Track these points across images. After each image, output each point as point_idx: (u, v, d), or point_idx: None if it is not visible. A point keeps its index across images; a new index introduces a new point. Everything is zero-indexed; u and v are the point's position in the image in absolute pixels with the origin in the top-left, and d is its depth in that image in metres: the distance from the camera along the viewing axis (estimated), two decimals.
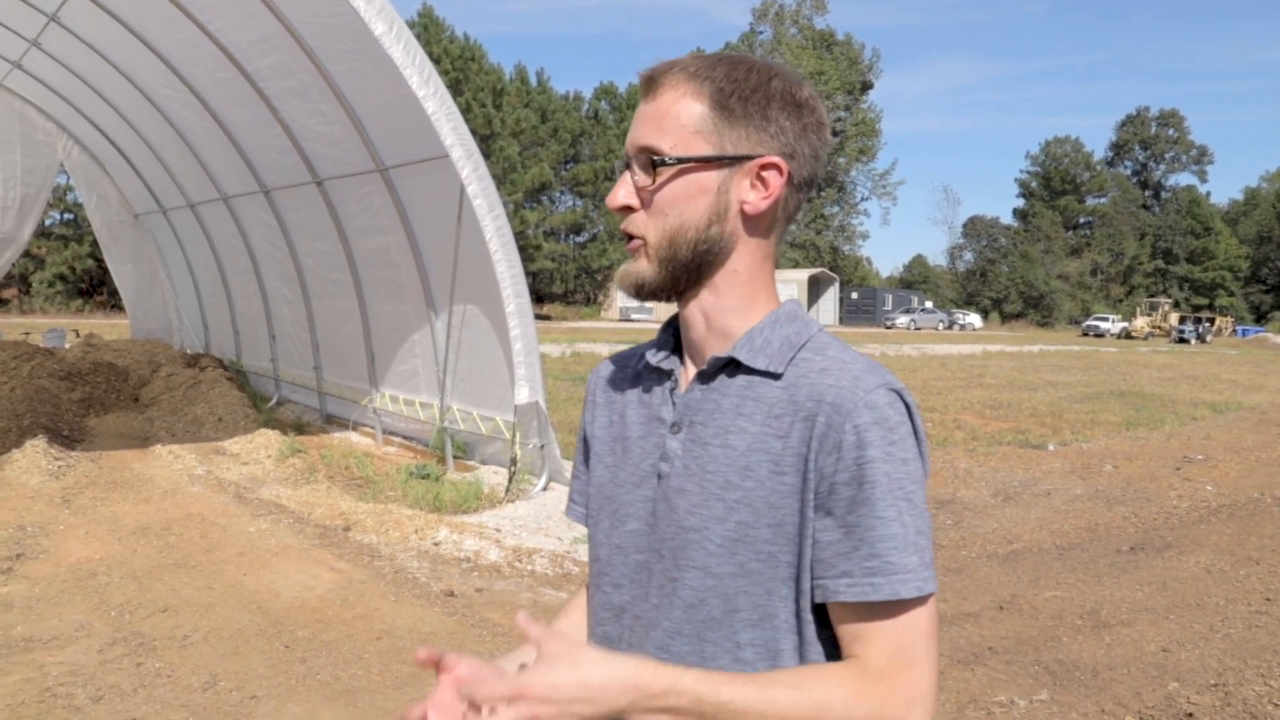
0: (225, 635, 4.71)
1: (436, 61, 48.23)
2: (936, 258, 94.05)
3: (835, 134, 70.33)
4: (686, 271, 1.15)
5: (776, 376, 1.12)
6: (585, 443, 1.34)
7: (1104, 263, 78.18)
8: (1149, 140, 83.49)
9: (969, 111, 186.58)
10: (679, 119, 1.11)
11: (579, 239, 59.79)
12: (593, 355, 24.01)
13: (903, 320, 57.97)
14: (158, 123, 11.28)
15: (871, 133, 71.89)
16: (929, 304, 65.94)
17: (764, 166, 1.12)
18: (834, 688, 1.02)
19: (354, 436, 10.41)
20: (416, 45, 6.74)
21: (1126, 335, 56.04)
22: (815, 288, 59.96)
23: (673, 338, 1.25)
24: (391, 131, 7.90)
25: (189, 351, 14.67)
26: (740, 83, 1.12)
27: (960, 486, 9.07)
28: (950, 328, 59.50)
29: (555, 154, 54.50)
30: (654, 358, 1.24)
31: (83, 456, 8.60)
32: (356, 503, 7.49)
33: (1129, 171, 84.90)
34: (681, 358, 1.23)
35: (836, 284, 62.12)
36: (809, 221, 70.40)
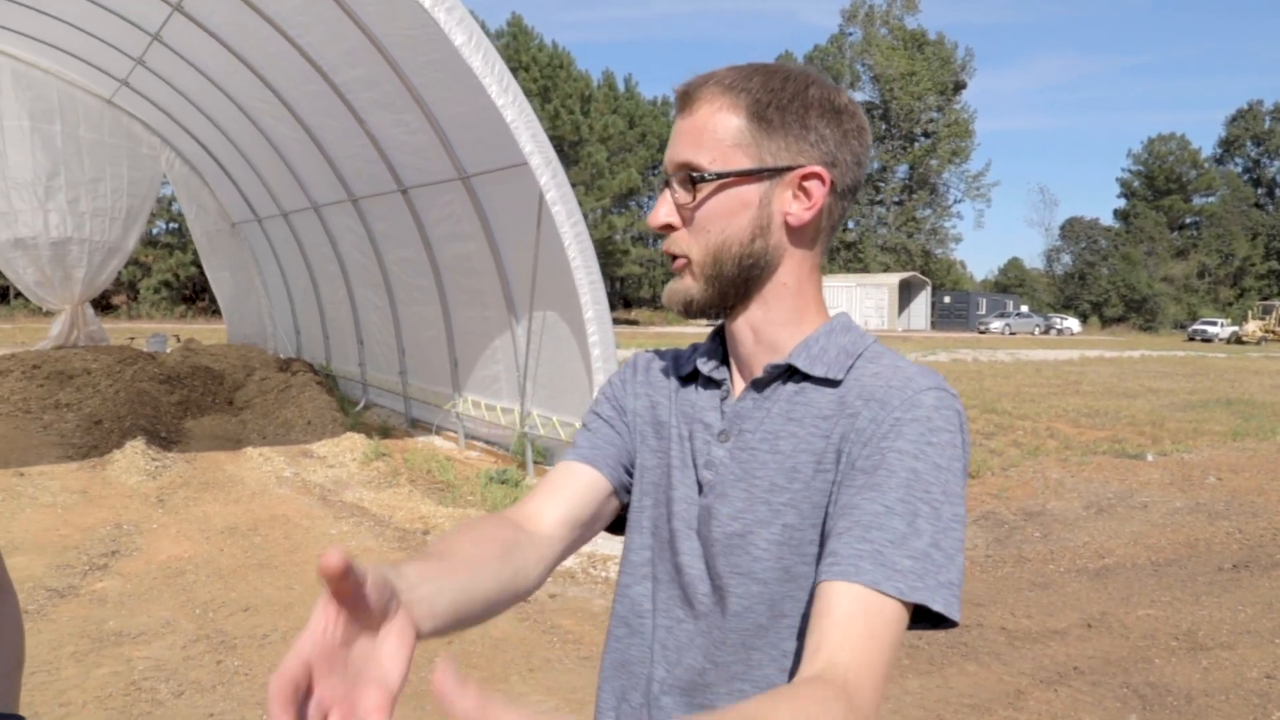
0: None
1: (525, 69, 48.90)
2: (1033, 260, 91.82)
3: (927, 135, 69.18)
4: (734, 287, 1.13)
5: (835, 384, 1.10)
6: (615, 405, 1.29)
7: (1212, 264, 75.18)
8: (1262, 136, 79.98)
9: (1067, 110, 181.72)
10: (716, 133, 1.09)
11: None
12: None
13: (997, 325, 56.60)
14: (253, 135, 11.65)
15: (964, 134, 70.44)
16: (1024, 308, 64.28)
17: (806, 176, 1.10)
18: (825, 711, 0.87)
19: (437, 441, 10.57)
20: (495, 55, 6.82)
21: (1237, 340, 53.69)
22: (906, 292, 59.01)
23: (720, 346, 1.23)
24: (472, 140, 8.01)
25: (282, 356, 15.10)
26: (777, 92, 1.09)
27: (1051, 498, 8.80)
28: (1047, 332, 57.86)
29: (643, 159, 54.73)
30: (705, 366, 1.21)
31: (178, 457, 8.91)
32: (436, 506, 7.60)
33: (1240, 169, 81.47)
34: (729, 368, 1.21)
35: (928, 288, 61.04)
36: (900, 225, 69.31)
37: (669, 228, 1.13)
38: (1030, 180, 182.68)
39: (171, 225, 40.29)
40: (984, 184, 73.36)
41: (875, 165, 69.60)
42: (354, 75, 8.58)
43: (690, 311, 1.15)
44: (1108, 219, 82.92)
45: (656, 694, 1.18)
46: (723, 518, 1.12)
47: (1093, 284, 73.68)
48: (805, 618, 1.05)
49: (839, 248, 67.53)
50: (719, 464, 1.14)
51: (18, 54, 13.34)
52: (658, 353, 1.33)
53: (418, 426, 11.21)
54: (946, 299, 63.65)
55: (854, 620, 0.92)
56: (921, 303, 60.31)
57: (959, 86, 70.67)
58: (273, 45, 8.95)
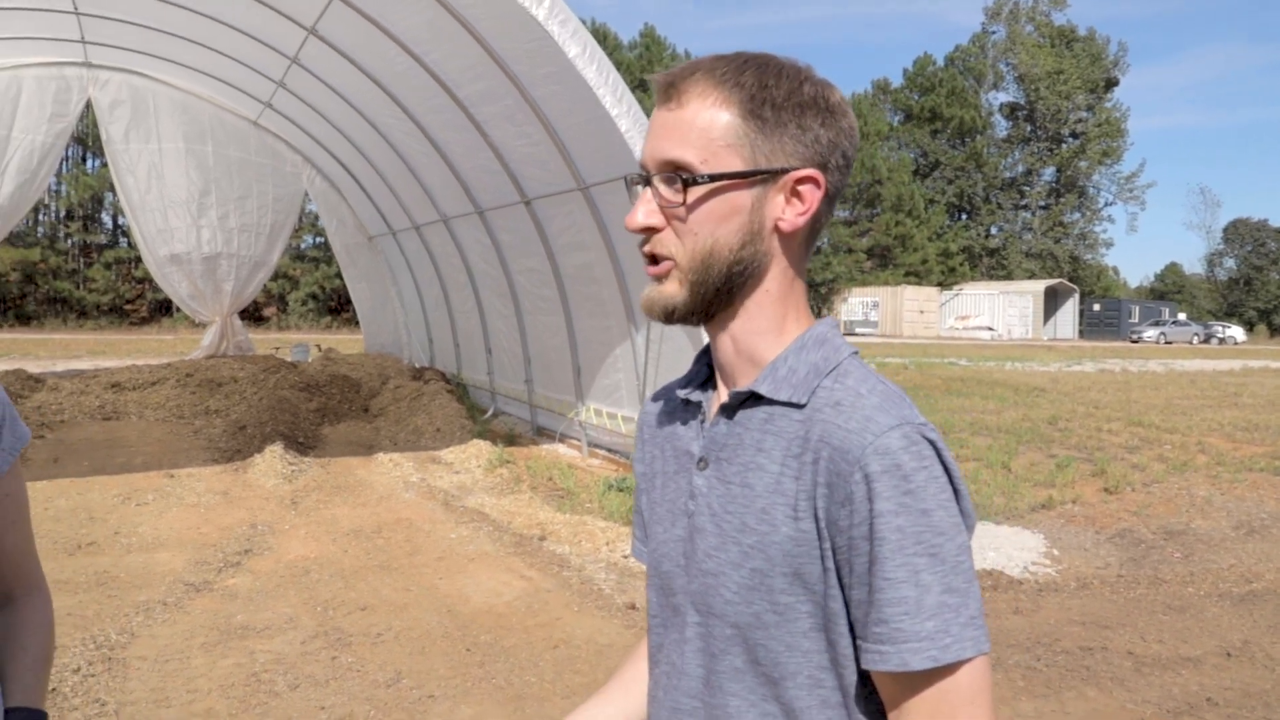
0: (414, 635, 4.94)
1: None
2: (1193, 266, 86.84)
3: (1075, 136, 66.43)
4: (718, 294, 1.07)
5: (800, 407, 1.04)
6: (641, 479, 1.29)
7: None
8: None
9: (1229, 105, 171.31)
10: (707, 131, 1.03)
11: None
12: None
13: (1150, 334, 53.81)
14: (385, 150, 12.11)
15: (1116, 133, 67.32)
16: (1181, 315, 60.92)
17: (800, 180, 1.05)
18: None
19: (561, 448, 10.72)
20: (610, 66, 6.91)
21: None
22: (1052, 300, 56.80)
23: (706, 367, 1.19)
24: (590, 150, 8.12)
25: (415, 365, 15.60)
26: (772, 89, 1.04)
27: (1196, 516, 8.30)
28: (1206, 341, 54.69)
29: None
30: (682, 391, 1.19)
31: (313, 462, 9.29)
32: (554, 513, 7.70)
33: None
34: (716, 386, 1.17)
35: (1076, 295, 58.57)
36: (1046, 230, 66.67)
37: (650, 230, 1.08)
38: (1189, 181, 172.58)
39: (317, 239, 42.18)
40: (1137, 186, 69.83)
41: (1020, 168, 67.28)
42: (476, 90, 8.82)
43: (671, 319, 1.09)
44: (1277, 220, 77.99)
45: None
46: (699, 554, 1.09)
47: (1260, 290, 69.37)
48: (781, 666, 1.03)
49: (981, 254, 65.52)
50: (699, 494, 1.11)
51: (175, 82, 14.27)
52: (658, 392, 1.29)
53: (543, 434, 11.40)
54: (1096, 307, 60.94)
55: (912, 706, 0.97)
56: (1069, 311, 57.93)
57: (1110, 84, 67.65)
58: (400, 64, 9.30)
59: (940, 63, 67.04)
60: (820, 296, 57.58)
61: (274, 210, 15.62)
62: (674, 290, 1.07)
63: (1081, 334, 58.32)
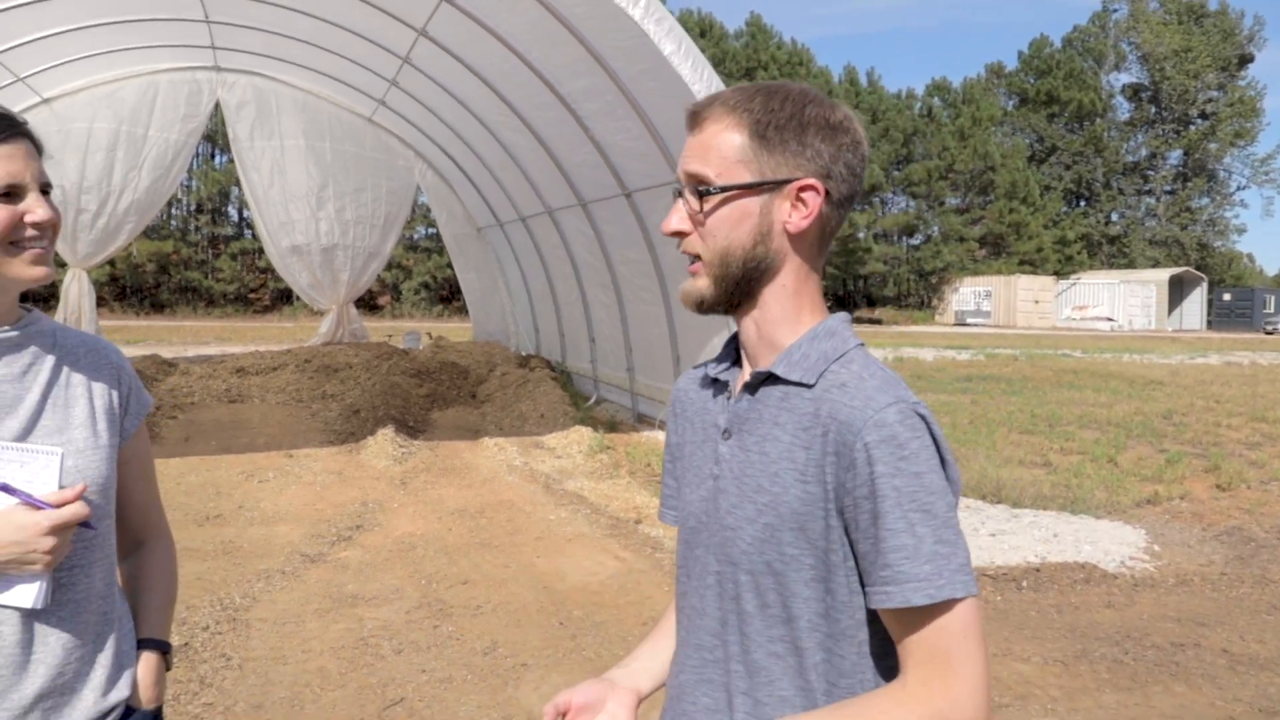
0: (511, 609, 5.21)
1: (764, 68, 49.00)
2: None
3: (1205, 117, 63.44)
4: (739, 287, 1.27)
5: (809, 387, 1.22)
6: (669, 453, 1.48)
7: None
8: None
9: None
10: (721, 150, 1.23)
11: (912, 241, 58.29)
12: (916, 361, 23.42)
13: None
14: (492, 145, 12.49)
15: (1251, 113, 63.99)
16: None
17: (802, 188, 1.23)
18: (878, 714, 1.13)
19: (660, 435, 10.90)
20: (704, 62, 7.06)
21: None
22: (1177, 289, 54.46)
23: (735, 350, 1.37)
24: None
25: (521, 353, 16.01)
26: (776, 112, 1.23)
27: None
28: None
29: (886, 154, 53.56)
30: (714, 369, 1.38)
31: (422, 445, 9.70)
32: (651, 498, 7.91)
33: None
34: (742, 366, 1.35)
35: (1204, 285, 56.00)
36: (1172, 216, 63.89)
37: (680, 234, 1.28)
38: None
39: (430, 230, 43.30)
40: (1274, 168, 66.36)
41: (1143, 152, 64.63)
42: (578, 86, 9.07)
43: (702, 309, 1.30)
44: None
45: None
46: (722, 510, 1.27)
47: None
48: (788, 609, 1.21)
49: (1101, 242, 63.21)
50: (723, 460, 1.29)
51: (295, 82, 14.98)
52: (692, 370, 1.48)
53: (643, 421, 11.61)
54: (1226, 296, 58.12)
55: (914, 640, 1.14)
56: (1195, 301, 55.45)
57: (1244, 60, 64.34)
58: (505, 62, 9.62)
59: (1057, 44, 64.86)
60: (930, 286, 56.46)
61: (387, 203, 16.25)
62: (703, 284, 1.28)
63: (1210, 325, 55.77)
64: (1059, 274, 55.34)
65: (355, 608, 5.15)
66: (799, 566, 1.20)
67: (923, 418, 1.16)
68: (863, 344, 1.28)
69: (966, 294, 53.21)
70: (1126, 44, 64.69)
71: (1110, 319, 50.35)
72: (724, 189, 1.23)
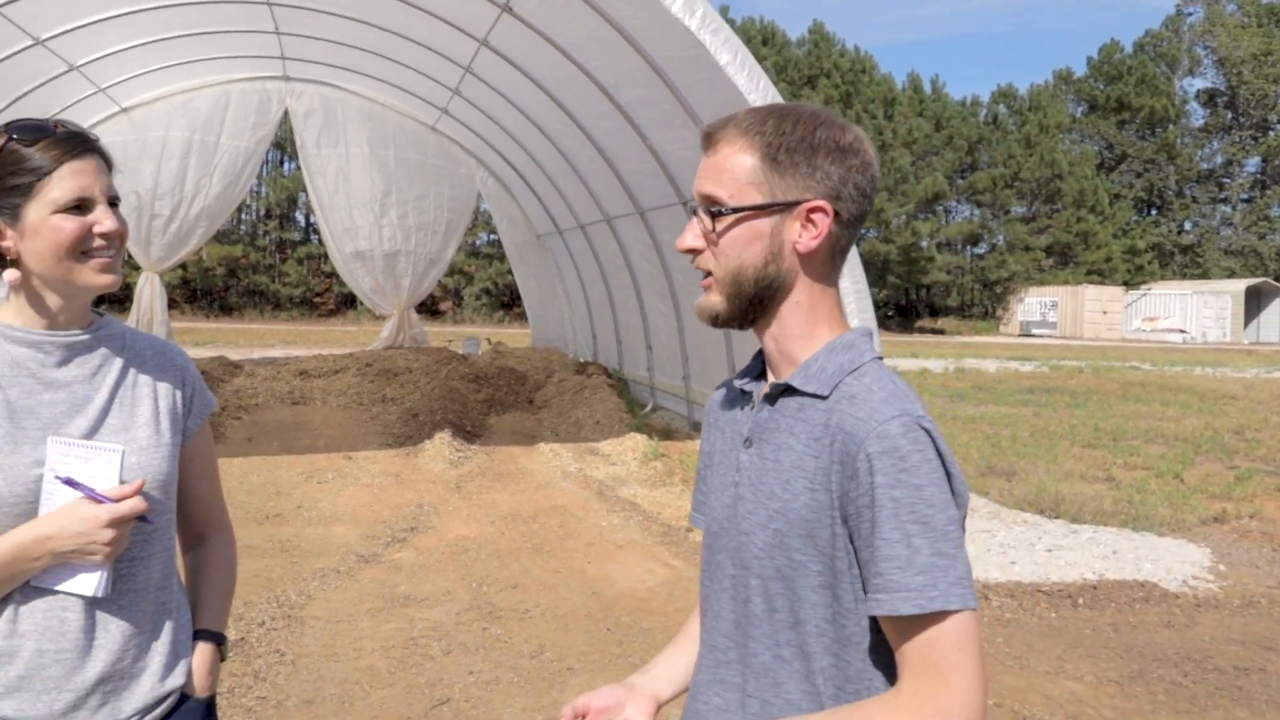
0: (560, 613, 5.26)
1: (826, 76, 48.75)
2: None
3: None
4: (753, 304, 1.31)
5: (824, 398, 1.25)
6: (702, 459, 1.52)
7: None
8: None
9: None
10: (734, 172, 1.28)
11: (976, 250, 57.44)
12: (978, 371, 23.09)
13: None
14: (552, 153, 12.62)
15: None
16: None
17: (812, 210, 1.26)
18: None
19: None
20: (760, 71, 7.07)
21: None
22: (1254, 300, 52.80)
23: (760, 363, 1.42)
24: None
25: (579, 360, 16.10)
26: (787, 135, 1.26)
27: None
28: None
29: (950, 162, 52.89)
30: (739, 382, 1.42)
31: (478, 450, 9.81)
32: None
33: None
34: (766, 379, 1.39)
35: None
36: (1249, 225, 62.04)
37: (694, 250, 1.33)
38: None
39: (491, 237, 43.68)
40: None
41: (1219, 159, 62.93)
42: (636, 95, 9.13)
43: (716, 323, 1.34)
44: None
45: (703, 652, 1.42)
46: (739, 515, 1.31)
47: None
48: (796, 615, 1.25)
49: (1173, 251, 61.66)
50: (743, 467, 1.33)
51: (361, 91, 15.30)
52: (726, 382, 1.52)
53: (698, 429, 11.61)
54: None
55: (909, 649, 1.16)
56: (1274, 313, 53.65)
57: None
58: (564, 71, 9.73)
59: (1128, 49, 63.44)
60: (995, 296, 55.58)
61: (449, 210, 16.48)
62: (716, 300, 1.33)
63: None
64: (1128, 284, 54.06)
65: (406, 608, 5.24)
66: (807, 572, 1.23)
67: (927, 431, 1.18)
68: (880, 357, 1.30)
69: (1032, 304, 52.23)
70: (1202, 48, 63.09)
71: (1182, 331, 49.06)
72: (736, 210, 1.27)
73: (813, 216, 1.26)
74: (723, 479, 1.39)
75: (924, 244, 51.91)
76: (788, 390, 1.30)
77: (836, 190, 1.27)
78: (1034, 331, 50.68)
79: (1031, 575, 6.19)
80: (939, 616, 1.13)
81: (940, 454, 1.18)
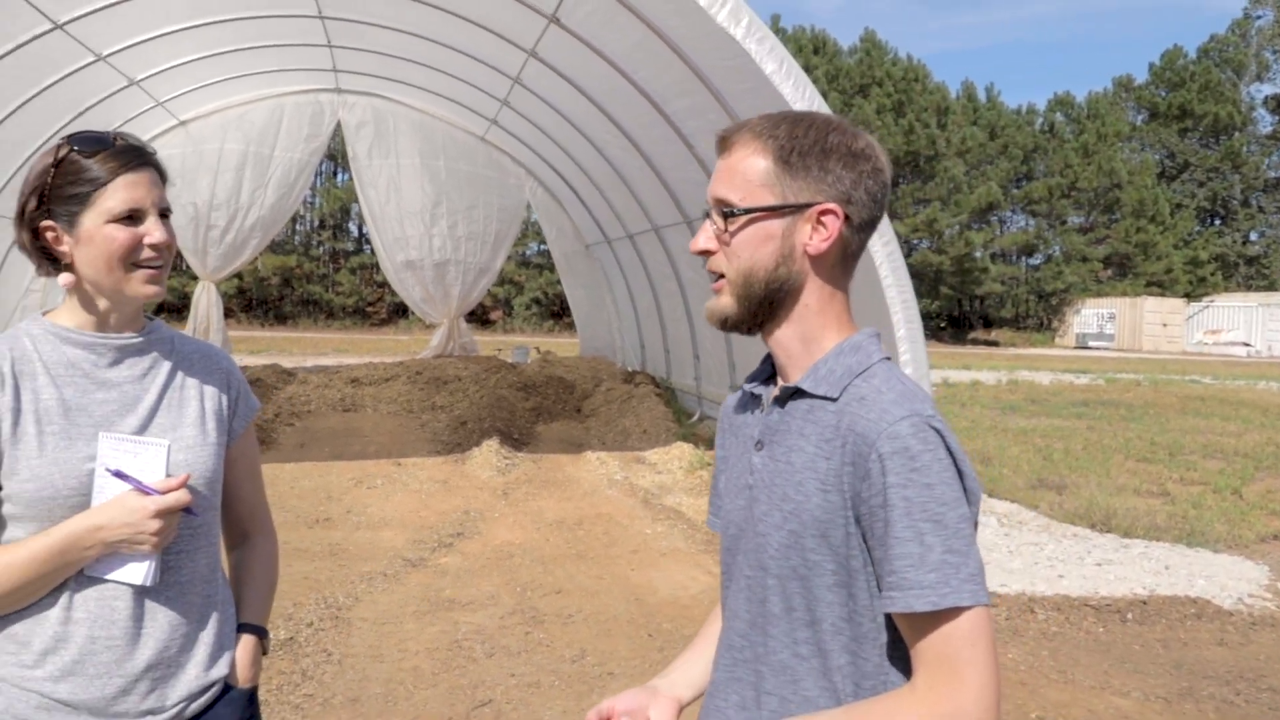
0: (602, 619, 5.29)
1: (878, 84, 48.43)
2: None
3: None
4: (762, 306, 1.33)
5: (833, 400, 1.27)
6: (718, 462, 1.55)
7: None
8: None
9: None
10: (746, 174, 1.30)
11: (1032, 261, 56.59)
12: (1031, 384, 22.76)
13: None
14: (600, 163, 12.70)
15: None
16: None
17: (823, 212, 1.28)
18: (881, 715, 1.18)
19: None
20: (806, 80, 7.06)
21: None
22: None
23: (770, 366, 1.43)
24: None
25: (627, 369, 16.15)
26: (800, 139, 1.29)
27: None
28: None
29: (1005, 172, 52.18)
30: (749, 385, 1.44)
31: (526, 457, 9.89)
32: None
33: None
34: (776, 382, 1.41)
35: None
36: None
37: (707, 252, 1.35)
38: None
39: (541, 247, 43.91)
40: None
41: None
42: (682, 105, 9.17)
43: (726, 326, 1.35)
44: None
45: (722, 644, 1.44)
46: (754, 519, 1.33)
47: None
48: (812, 614, 1.26)
49: (1237, 262, 60.23)
50: (756, 470, 1.35)
51: (411, 103, 15.53)
52: (734, 390, 1.54)
53: None
54: None
55: (923, 646, 1.18)
56: None
57: None
58: (611, 81, 9.80)
59: (1192, 55, 62.17)
60: (1050, 308, 54.71)
61: (498, 219, 16.65)
62: (727, 302, 1.34)
63: None
64: (1190, 296, 52.87)
65: (451, 611, 5.30)
66: (821, 572, 1.25)
67: (937, 430, 1.19)
68: (888, 358, 1.32)
69: (1089, 316, 51.30)
70: (1270, 53, 61.66)
71: (1247, 344, 47.86)
72: (748, 211, 1.29)
73: (823, 219, 1.28)
74: (737, 482, 1.41)
75: (978, 254, 51.25)
76: (797, 393, 1.32)
77: (848, 194, 1.29)
78: (1091, 344, 49.76)
79: (1080, 589, 6.09)
80: (953, 613, 1.14)
81: (951, 452, 1.19)
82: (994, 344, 50.49)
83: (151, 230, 1.62)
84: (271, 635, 4.66)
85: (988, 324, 55.90)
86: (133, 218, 1.60)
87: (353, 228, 48.73)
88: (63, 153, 1.59)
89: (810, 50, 49.75)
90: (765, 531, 1.30)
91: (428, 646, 4.77)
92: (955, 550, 1.15)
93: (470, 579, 5.92)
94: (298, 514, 7.32)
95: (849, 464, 1.21)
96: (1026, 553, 6.85)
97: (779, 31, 48.61)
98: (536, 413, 12.52)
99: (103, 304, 1.65)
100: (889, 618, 1.22)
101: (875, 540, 1.20)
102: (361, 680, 4.33)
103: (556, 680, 4.42)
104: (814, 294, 1.32)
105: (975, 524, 1.20)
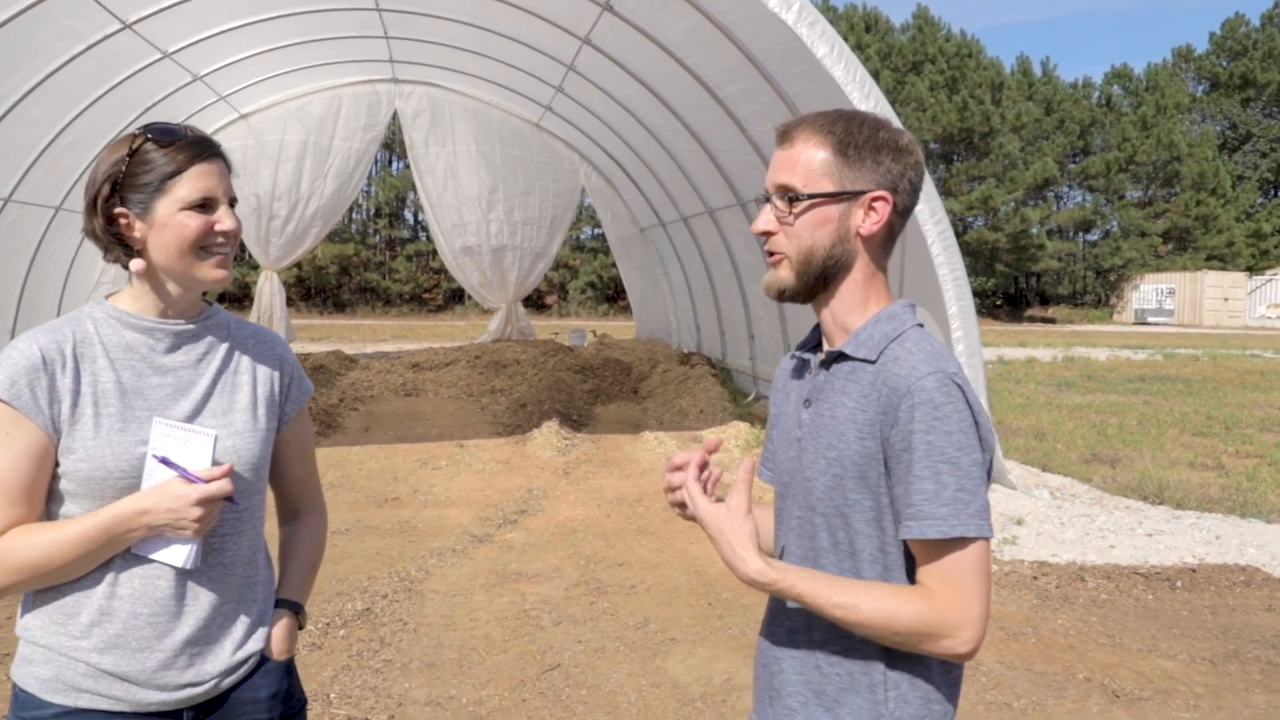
0: (663, 589, 5.49)
1: (931, 61, 47.85)
2: None
3: None
4: (818, 280, 1.53)
5: (872, 362, 1.47)
6: (771, 419, 1.75)
7: None
8: None
9: None
10: (809, 164, 1.49)
11: (1089, 237, 55.60)
12: (1087, 360, 22.53)
13: None
14: (654, 147, 12.86)
15: None
16: None
17: (875, 199, 1.49)
18: (904, 603, 1.39)
19: None
20: (857, 63, 7.16)
21: None
22: None
23: (817, 334, 1.63)
24: None
25: (683, 350, 16.33)
26: (855, 135, 1.48)
27: None
28: None
29: (1061, 147, 51.27)
30: (799, 352, 1.65)
31: (585, 438, 10.11)
32: None
33: None
34: (822, 347, 1.61)
35: None
36: None
37: (768, 233, 1.54)
38: None
39: (595, 231, 44.13)
40: None
41: None
42: (735, 89, 9.30)
43: (783, 297, 1.55)
44: None
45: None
46: (804, 464, 1.53)
47: None
48: (853, 546, 1.47)
49: None
50: (804, 424, 1.56)
51: (467, 91, 15.79)
52: (788, 355, 1.73)
53: None
54: None
55: (933, 568, 1.40)
56: None
57: None
58: (665, 67, 9.95)
59: (1255, 22, 60.44)
60: (1108, 283, 53.76)
61: (554, 205, 16.90)
62: (786, 275, 1.54)
63: None
64: (1252, 270, 51.64)
65: (518, 584, 5.54)
66: (860, 509, 1.45)
67: (959, 386, 1.40)
68: (920, 325, 1.51)
69: (1148, 291, 50.37)
70: None
71: None
72: (811, 196, 1.48)
73: (875, 205, 1.48)
74: (787, 435, 1.61)
75: (1034, 231, 50.45)
76: (840, 356, 1.51)
77: (895, 183, 1.48)
78: (1150, 320, 48.89)
79: (1130, 558, 6.17)
80: (960, 542, 1.36)
81: (970, 405, 1.39)
82: (1051, 321, 49.80)
83: (223, 218, 1.69)
84: (349, 606, 4.93)
85: (1044, 301, 55.10)
86: (205, 206, 1.67)
87: (408, 215, 49.31)
88: (138, 143, 1.66)
89: (862, 28, 49.25)
90: (812, 476, 1.50)
91: (497, 616, 5.01)
92: (966, 489, 1.36)
93: (535, 553, 6.16)
94: (367, 494, 7.62)
95: (882, 413, 1.41)
96: (1078, 524, 6.93)
97: (830, 10, 48.22)
98: (594, 394, 12.74)
99: (170, 289, 1.71)
100: (908, 550, 1.43)
101: (897, 478, 1.40)
102: (436, 647, 4.58)
103: (621, 646, 4.64)
104: (861, 270, 1.51)
105: (989, 470, 1.41)
